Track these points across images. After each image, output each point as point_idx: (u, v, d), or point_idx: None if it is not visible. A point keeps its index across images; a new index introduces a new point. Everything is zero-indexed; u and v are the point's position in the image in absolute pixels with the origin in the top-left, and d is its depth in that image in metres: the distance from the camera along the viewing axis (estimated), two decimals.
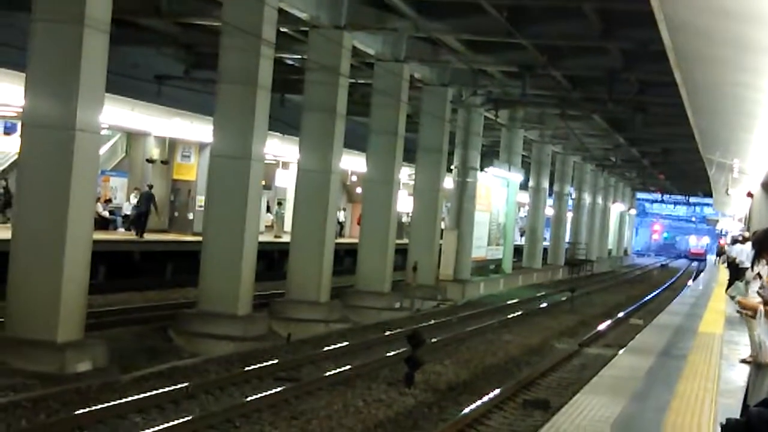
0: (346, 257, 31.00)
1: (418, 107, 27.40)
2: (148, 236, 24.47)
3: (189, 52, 26.09)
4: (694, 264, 72.68)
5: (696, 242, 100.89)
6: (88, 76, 13.07)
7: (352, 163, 31.52)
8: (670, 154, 40.46)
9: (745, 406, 6.03)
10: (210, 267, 17.33)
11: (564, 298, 30.39)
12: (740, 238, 24.03)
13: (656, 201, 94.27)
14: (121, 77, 19.38)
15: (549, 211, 47.41)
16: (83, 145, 13.11)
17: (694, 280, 40.59)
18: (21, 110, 14.32)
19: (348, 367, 14.59)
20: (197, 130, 25.75)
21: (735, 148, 16.73)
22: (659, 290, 39.08)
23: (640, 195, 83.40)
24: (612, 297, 35.00)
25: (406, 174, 30.50)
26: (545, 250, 45.15)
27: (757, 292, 8.61)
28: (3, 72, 18.13)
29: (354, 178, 37.18)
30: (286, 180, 33.08)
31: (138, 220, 24.71)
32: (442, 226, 29.79)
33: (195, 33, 23.79)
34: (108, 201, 27.25)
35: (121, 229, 26.18)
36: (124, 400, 11.10)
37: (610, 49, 22.23)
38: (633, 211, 79.62)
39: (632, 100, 27.24)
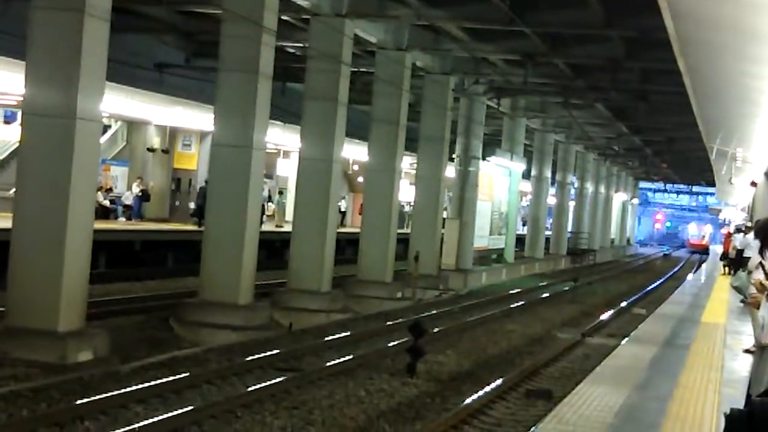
0: (347, 247, 30.97)
1: (420, 96, 27.30)
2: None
3: (190, 40, 26.01)
4: (696, 255, 67.96)
5: (696, 231, 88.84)
6: (88, 64, 12.99)
7: (354, 152, 31.45)
8: (673, 143, 40.32)
9: (748, 395, 5.99)
10: (211, 256, 17.28)
11: (567, 288, 30.34)
12: (744, 228, 24.01)
13: (659, 190, 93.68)
14: (122, 65, 19.32)
15: (551, 201, 47.35)
16: (84, 133, 13.05)
17: (695, 272, 40.49)
18: (21, 99, 14.25)
19: (350, 356, 14.57)
20: (198, 118, 25.68)
21: (739, 137, 16.68)
22: (662, 280, 39.03)
23: (642, 184, 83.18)
24: (615, 286, 34.96)
25: (407, 163, 30.42)
26: (547, 239, 45.10)
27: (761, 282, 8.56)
28: (3, 60, 18.07)
29: (356, 167, 37.11)
30: (288, 169, 33.02)
31: (198, 212, 25.62)
32: (444, 216, 29.73)
33: (196, 21, 23.71)
34: (109, 190, 27.21)
35: (122, 219, 26.16)
36: (125, 389, 11.08)
37: (613, 38, 22.11)
38: (635, 201, 79.43)
39: (635, 89, 27.16)
